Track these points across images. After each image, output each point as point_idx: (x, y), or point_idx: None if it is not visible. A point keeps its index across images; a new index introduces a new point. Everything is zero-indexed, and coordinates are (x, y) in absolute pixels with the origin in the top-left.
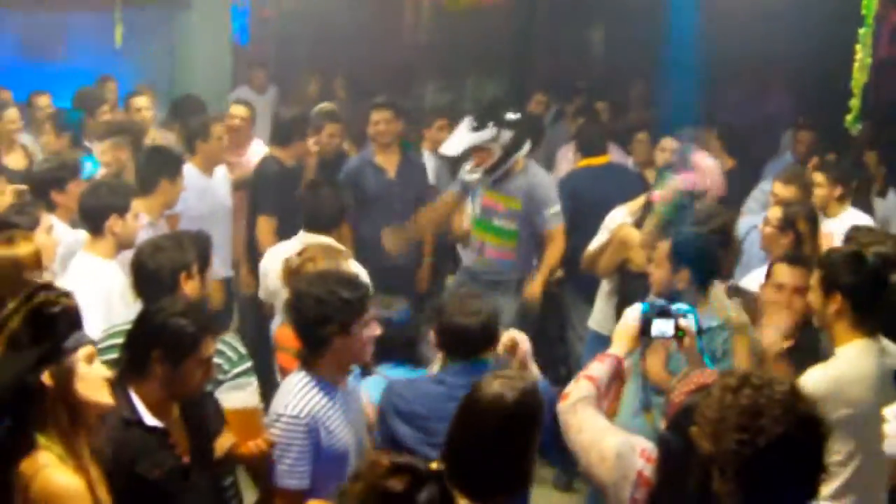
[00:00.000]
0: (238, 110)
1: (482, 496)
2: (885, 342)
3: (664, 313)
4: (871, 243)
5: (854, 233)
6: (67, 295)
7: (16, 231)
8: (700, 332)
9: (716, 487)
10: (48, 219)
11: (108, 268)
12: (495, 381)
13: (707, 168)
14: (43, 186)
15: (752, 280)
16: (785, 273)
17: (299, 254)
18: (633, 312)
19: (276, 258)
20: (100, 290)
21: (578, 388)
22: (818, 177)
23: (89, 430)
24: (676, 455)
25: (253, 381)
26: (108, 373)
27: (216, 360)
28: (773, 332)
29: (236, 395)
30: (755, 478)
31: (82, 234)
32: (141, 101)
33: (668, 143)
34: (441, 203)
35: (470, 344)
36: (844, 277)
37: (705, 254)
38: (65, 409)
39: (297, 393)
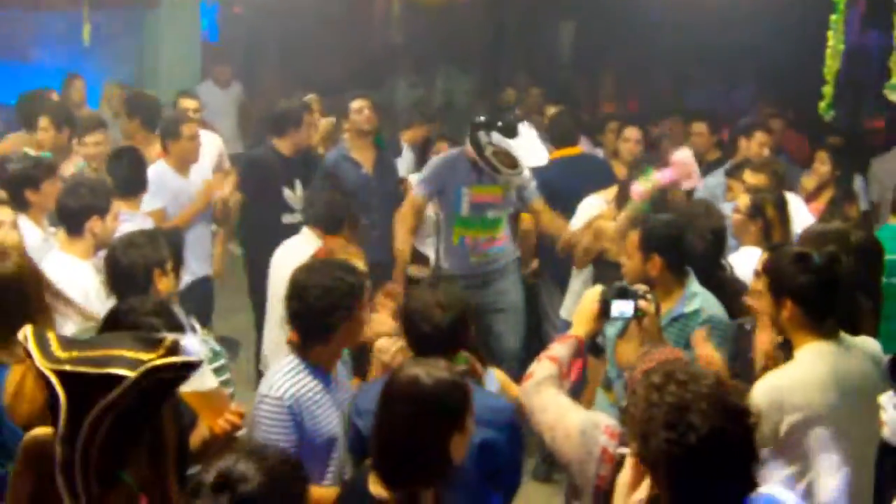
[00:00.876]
0: (188, 103)
1: (396, 483)
2: (849, 339)
3: (623, 293)
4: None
5: (827, 216)
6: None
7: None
8: (658, 306)
9: (651, 487)
10: (9, 214)
11: (84, 268)
12: (415, 366)
13: (684, 162)
14: (16, 185)
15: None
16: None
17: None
18: (593, 293)
19: (288, 254)
20: (77, 289)
21: (541, 368)
22: (822, 155)
23: None
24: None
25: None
26: None
27: None
28: (766, 329)
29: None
30: (687, 475)
31: (52, 233)
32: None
33: (632, 132)
34: (412, 207)
35: (436, 350)
36: (792, 281)
37: (675, 240)
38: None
39: (284, 376)
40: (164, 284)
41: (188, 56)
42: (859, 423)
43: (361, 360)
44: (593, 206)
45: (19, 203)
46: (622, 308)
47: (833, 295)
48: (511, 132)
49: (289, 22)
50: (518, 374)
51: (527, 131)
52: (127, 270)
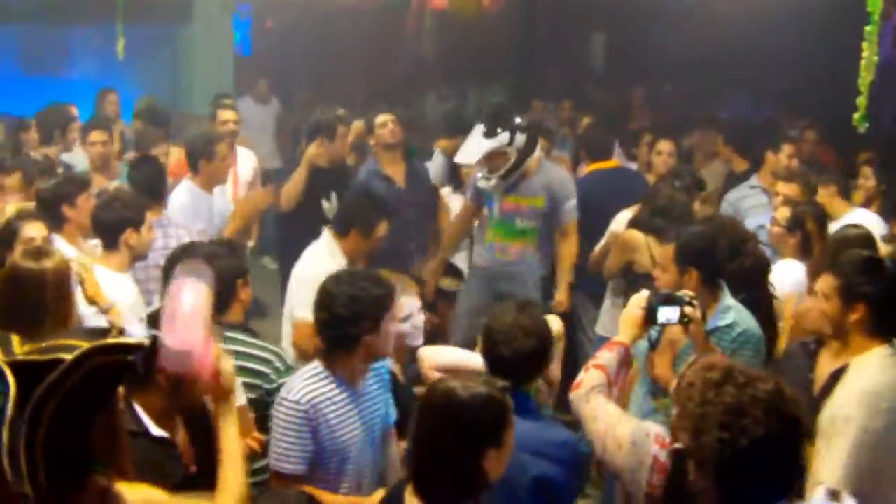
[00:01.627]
0: (228, 115)
1: (432, 498)
2: None
3: (669, 300)
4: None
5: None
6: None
7: (43, 245)
8: (704, 313)
9: (691, 480)
10: (34, 229)
11: (122, 281)
12: (452, 380)
13: None
14: (54, 202)
15: None
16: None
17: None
18: (638, 299)
19: (311, 263)
20: (114, 301)
21: (589, 377)
22: (866, 170)
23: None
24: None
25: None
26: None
27: (263, 368)
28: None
29: None
30: (734, 476)
31: (94, 247)
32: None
33: (665, 145)
34: (457, 220)
35: (514, 375)
36: (865, 286)
37: (710, 253)
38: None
39: (305, 381)
40: (245, 295)
41: (221, 70)
42: None
43: None
44: (623, 222)
45: (56, 219)
46: (668, 314)
47: None
48: (491, 134)
49: (321, 36)
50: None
51: (477, 130)
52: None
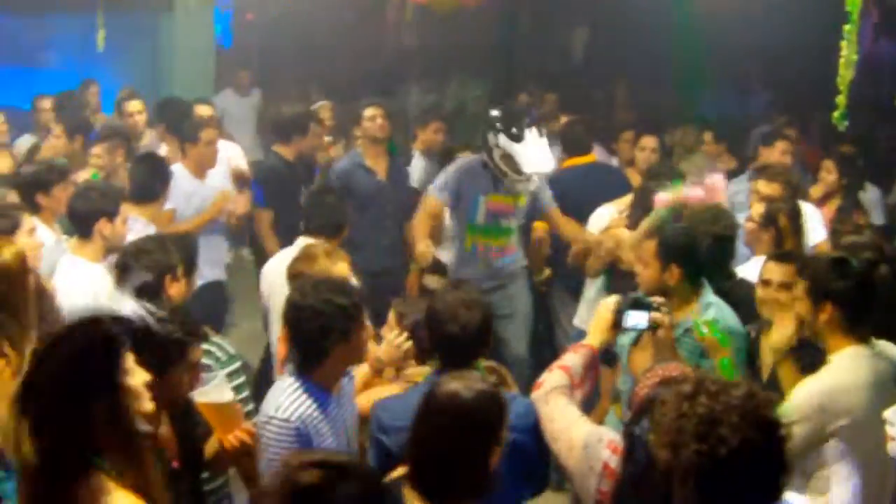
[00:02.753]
0: (204, 110)
1: (437, 499)
2: (882, 345)
3: (638, 305)
4: (850, 234)
5: (838, 225)
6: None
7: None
8: (672, 320)
9: (675, 496)
10: (30, 220)
11: (95, 270)
12: (453, 381)
13: (716, 188)
14: (29, 189)
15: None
16: (771, 270)
17: (298, 258)
18: (608, 304)
19: (280, 263)
20: (88, 292)
21: (551, 378)
22: (828, 163)
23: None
24: (640, 448)
25: (218, 375)
26: (147, 376)
27: (205, 360)
28: (779, 332)
29: (204, 391)
30: (715, 487)
31: (64, 239)
32: (134, 106)
33: (649, 141)
34: (429, 211)
35: (463, 352)
36: (832, 285)
37: (693, 249)
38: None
39: (290, 396)
40: (175, 290)
41: (202, 61)
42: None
43: None
44: (605, 216)
45: (31, 206)
46: (637, 319)
47: (871, 300)
48: (519, 138)
49: (302, 28)
50: (528, 380)
51: (535, 137)
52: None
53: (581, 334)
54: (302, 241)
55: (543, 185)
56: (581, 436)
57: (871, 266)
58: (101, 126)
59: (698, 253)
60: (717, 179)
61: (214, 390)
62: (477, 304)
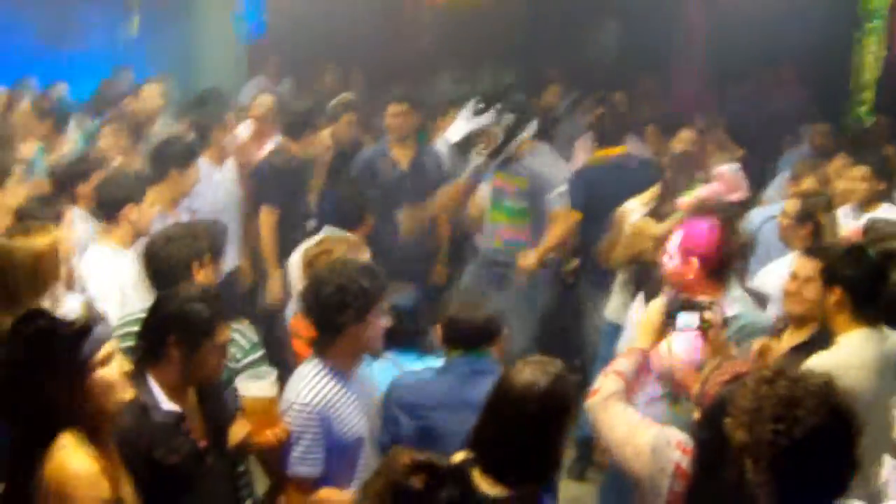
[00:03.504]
0: (264, 100)
1: (512, 482)
2: (889, 331)
3: (689, 306)
4: (886, 236)
5: (872, 224)
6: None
7: (32, 222)
8: (725, 318)
9: (749, 477)
10: (71, 212)
11: (123, 257)
12: (527, 367)
13: (729, 175)
14: (67, 180)
15: (769, 271)
16: (800, 264)
17: (317, 244)
18: (657, 305)
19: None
20: (115, 279)
21: (607, 384)
22: (862, 170)
23: (111, 419)
24: (713, 446)
25: (272, 371)
26: (126, 366)
27: (229, 348)
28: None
29: (255, 384)
30: (789, 468)
31: (91, 226)
32: (150, 90)
33: (687, 134)
34: (454, 187)
35: (471, 338)
36: (844, 270)
37: (713, 245)
38: (85, 412)
39: (310, 381)
40: (202, 276)
41: (234, 48)
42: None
43: None
44: (629, 211)
45: (69, 196)
46: (687, 320)
47: (881, 289)
48: (479, 112)
49: (335, 15)
50: None
51: (465, 113)
52: (165, 264)
53: (611, 326)
54: (326, 232)
55: (552, 179)
56: (648, 439)
57: (886, 257)
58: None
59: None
60: (728, 168)
61: (268, 385)
62: (486, 297)
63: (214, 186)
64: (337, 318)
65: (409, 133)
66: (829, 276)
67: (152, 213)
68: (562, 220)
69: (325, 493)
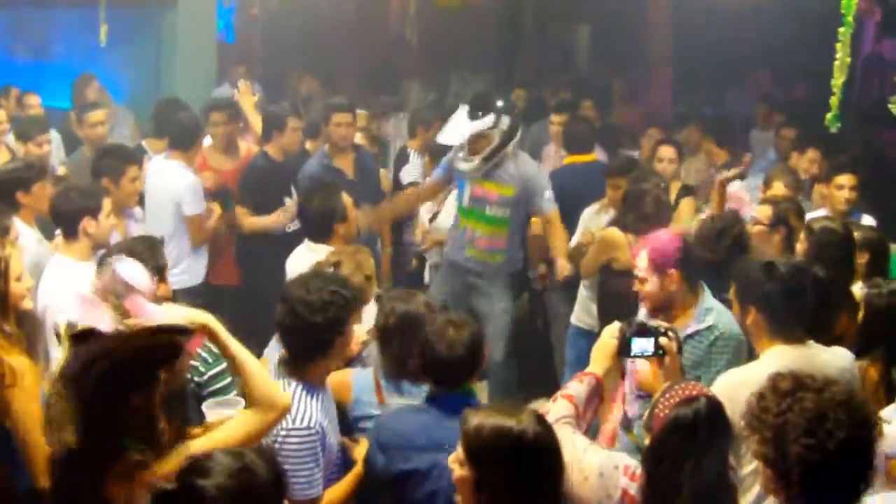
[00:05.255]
0: (217, 117)
1: None
2: (817, 347)
3: (644, 331)
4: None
5: (813, 222)
6: None
7: None
8: (680, 343)
9: (770, 491)
10: (16, 227)
11: (83, 269)
12: (495, 414)
13: (741, 195)
14: (8, 187)
15: None
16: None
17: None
18: (612, 330)
19: (299, 263)
20: (74, 291)
21: (556, 408)
22: (850, 179)
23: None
24: (664, 471)
25: (240, 401)
26: None
27: (192, 361)
28: None
29: (221, 412)
30: (821, 481)
31: (46, 242)
32: (95, 117)
33: (667, 151)
34: (427, 187)
35: (456, 374)
36: (756, 289)
37: (689, 252)
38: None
39: (299, 403)
40: (162, 290)
41: (204, 57)
42: None
43: None
44: (590, 217)
45: (10, 205)
46: (643, 346)
47: (796, 304)
48: (478, 116)
49: (305, 24)
50: (504, 383)
51: (460, 113)
52: None
53: (575, 330)
54: (307, 246)
55: (541, 184)
56: (595, 464)
57: (797, 271)
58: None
59: (694, 256)
60: (736, 188)
61: (234, 412)
62: (466, 323)
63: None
64: (326, 335)
65: (348, 145)
66: (742, 296)
67: (109, 224)
68: (558, 222)
69: (329, 494)
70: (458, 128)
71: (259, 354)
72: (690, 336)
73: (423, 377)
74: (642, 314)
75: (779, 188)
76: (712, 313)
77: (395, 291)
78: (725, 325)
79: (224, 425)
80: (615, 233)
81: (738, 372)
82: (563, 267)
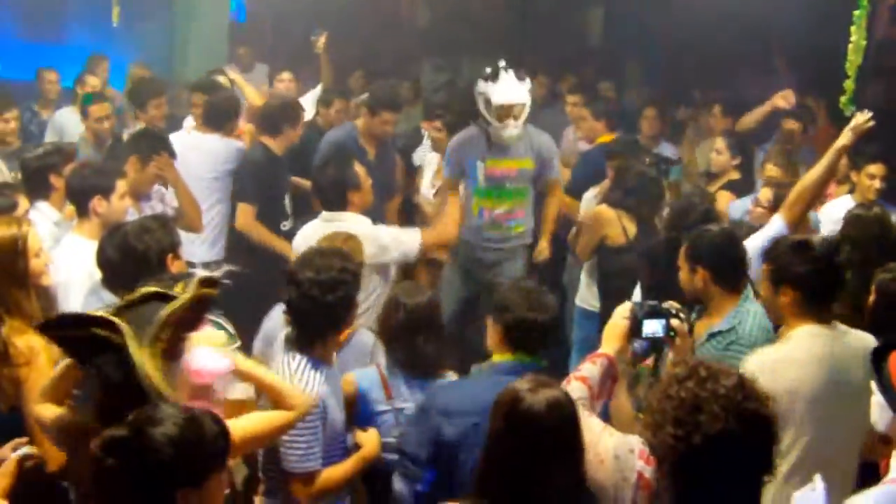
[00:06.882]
0: (198, 98)
1: None
2: (845, 329)
3: (655, 312)
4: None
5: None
6: None
7: None
8: (692, 324)
9: (654, 479)
10: (25, 203)
11: (90, 247)
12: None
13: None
14: (44, 172)
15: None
16: None
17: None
18: (623, 311)
19: (304, 241)
20: (83, 270)
21: (570, 390)
22: (881, 169)
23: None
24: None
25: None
26: None
27: None
28: None
29: (237, 387)
30: (688, 473)
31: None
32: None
33: (649, 111)
34: (451, 202)
35: (541, 339)
36: (793, 268)
37: (722, 250)
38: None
39: (302, 376)
40: (176, 268)
41: (216, 37)
42: (845, 410)
43: None
44: (591, 200)
45: (43, 188)
46: (653, 327)
47: (832, 283)
48: (495, 76)
49: (316, 4)
50: None
51: (510, 76)
52: (141, 255)
53: (580, 311)
54: (322, 218)
55: (554, 152)
56: (610, 447)
57: (832, 249)
58: None
59: (728, 254)
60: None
61: (249, 388)
62: (545, 290)
63: None
64: (341, 313)
65: (385, 139)
66: (778, 276)
67: (122, 205)
68: (559, 191)
69: (327, 473)
70: (517, 86)
71: (251, 331)
72: (713, 335)
73: (434, 370)
74: (637, 295)
75: (771, 170)
76: (741, 317)
77: (401, 285)
78: (745, 331)
79: (251, 417)
80: (604, 209)
81: (775, 350)
82: (543, 249)
